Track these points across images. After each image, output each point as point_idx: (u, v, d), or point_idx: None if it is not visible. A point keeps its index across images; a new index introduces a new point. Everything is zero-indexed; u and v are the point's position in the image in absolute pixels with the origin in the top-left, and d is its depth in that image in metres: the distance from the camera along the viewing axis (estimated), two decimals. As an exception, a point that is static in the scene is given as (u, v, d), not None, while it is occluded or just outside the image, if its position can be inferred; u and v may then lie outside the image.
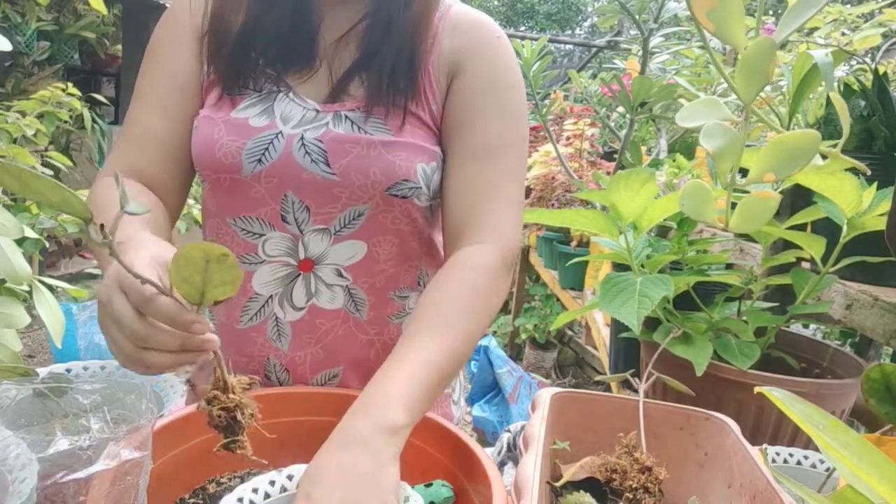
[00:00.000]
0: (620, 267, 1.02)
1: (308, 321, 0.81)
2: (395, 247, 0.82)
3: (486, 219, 0.75)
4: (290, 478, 0.60)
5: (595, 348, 3.27)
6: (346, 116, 0.76)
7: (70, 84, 2.11)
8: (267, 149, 0.75)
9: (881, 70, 0.97)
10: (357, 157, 0.75)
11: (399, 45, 0.76)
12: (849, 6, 1.76)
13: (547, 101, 2.50)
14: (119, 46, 5.52)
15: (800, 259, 0.92)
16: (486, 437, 2.78)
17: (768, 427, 0.82)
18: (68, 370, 0.83)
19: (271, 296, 0.80)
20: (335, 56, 0.79)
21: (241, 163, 0.75)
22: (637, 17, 1.43)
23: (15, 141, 1.81)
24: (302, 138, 0.75)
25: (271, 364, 0.83)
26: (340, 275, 0.80)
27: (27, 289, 0.90)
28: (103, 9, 1.32)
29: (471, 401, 2.95)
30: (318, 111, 0.76)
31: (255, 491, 0.58)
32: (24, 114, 1.90)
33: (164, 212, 0.78)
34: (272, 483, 0.59)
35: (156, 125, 0.79)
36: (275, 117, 0.76)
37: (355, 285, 0.81)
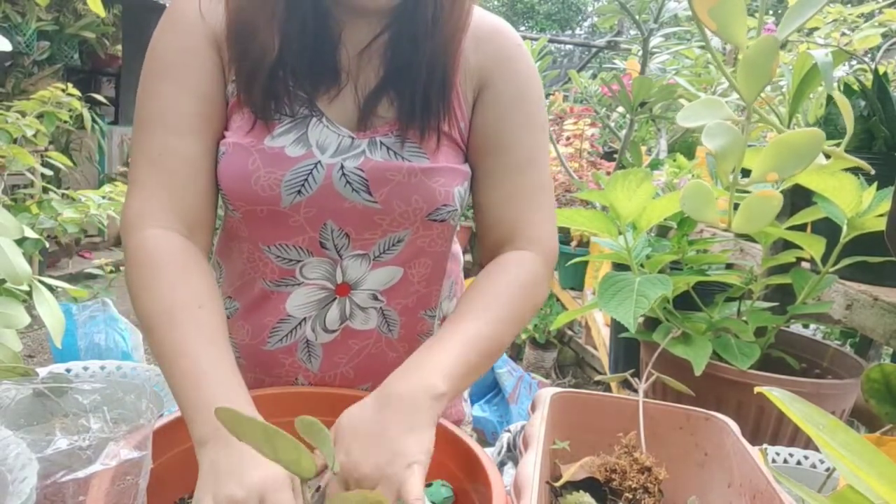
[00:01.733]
0: (620, 267, 1.02)
1: (340, 342, 0.80)
2: (430, 268, 0.81)
3: (529, 232, 0.78)
4: None
5: (595, 348, 3.27)
6: (382, 143, 0.74)
7: (70, 84, 2.10)
8: (306, 179, 0.72)
9: (881, 70, 0.97)
10: (398, 184, 0.73)
11: (430, 63, 0.73)
12: (849, 6, 1.76)
13: (547, 102, 2.50)
14: (119, 46, 5.53)
15: (800, 259, 0.92)
16: (486, 437, 2.78)
17: (768, 427, 0.82)
18: (68, 370, 0.83)
19: (304, 318, 0.79)
20: (359, 71, 0.76)
21: (279, 195, 0.72)
22: (637, 17, 1.43)
23: (15, 141, 1.81)
24: (342, 167, 0.72)
25: (299, 384, 0.82)
26: (376, 298, 0.79)
27: (27, 289, 0.90)
28: (101, 11, 1.31)
29: (471, 401, 2.95)
30: (352, 138, 0.73)
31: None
32: (24, 114, 1.90)
33: (218, 293, 0.71)
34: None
35: (194, 155, 0.71)
36: (311, 146, 0.72)
37: (389, 307, 0.80)
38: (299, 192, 0.72)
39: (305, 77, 0.74)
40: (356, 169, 0.73)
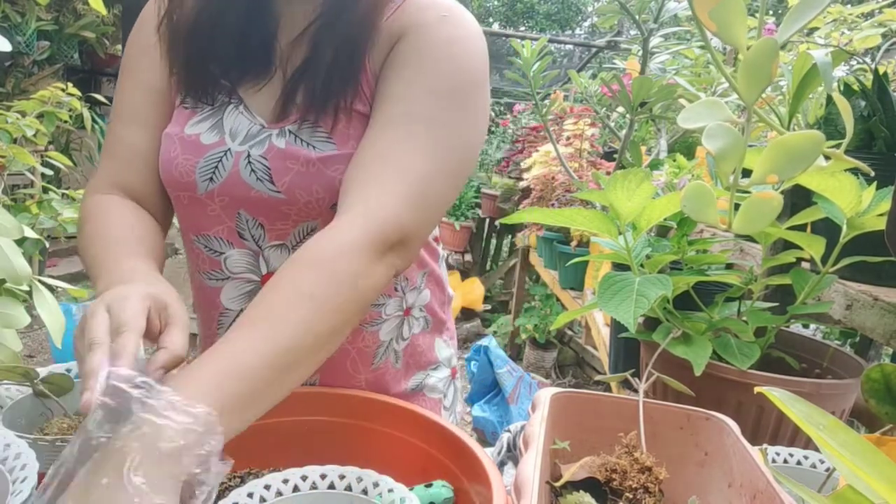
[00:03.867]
0: (620, 267, 1.02)
1: None
2: None
3: (365, 191, 0.64)
4: (322, 477, 0.62)
5: (595, 348, 3.27)
6: (289, 130, 0.73)
7: (70, 84, 2.10)
8: (216, 167, 0.75)
9: (881, 70, 0.97)
10: (298, 174, 0.72)
11: (339, 44, 0.71)
12: (849, 6, 1.76)
13: (547, 101, 2.50)
14: (119, 46, 5.52)
15: (800, 259, 0.92)
16: (486, 437, 2.78)
17: (768, 427, 0.82)
18: (68, 370, 0.83)
19: (241, 310, 0.78)
20: (289, 61, 0.76)
21: (195, 181, 0.75)
22: (637, 17, 1.43)
23: (15, 141, 1.81)
24: (248, 156, 0.74)
25: None
26: None
27: (27, 289, 0.90)
28: (103, 9, 1.32)
29: (471, 401, 2.95)
30: (262, 126, 0.75)
31: (250, 496, 0.58)
32: (24, 114, 1.89)
33: (157, 231, 0.78)
34: (267, 487, 0.60)
35: (136, 141, 0.78)
36: (224, 133, 0.75)
37: None
38: (211, 179, 0.75)
39: (234, 65, 0.76)
40: (260, 157, 0.74)
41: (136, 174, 0.79)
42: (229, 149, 0.75)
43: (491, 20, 13.49)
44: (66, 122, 2.05)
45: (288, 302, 0.55)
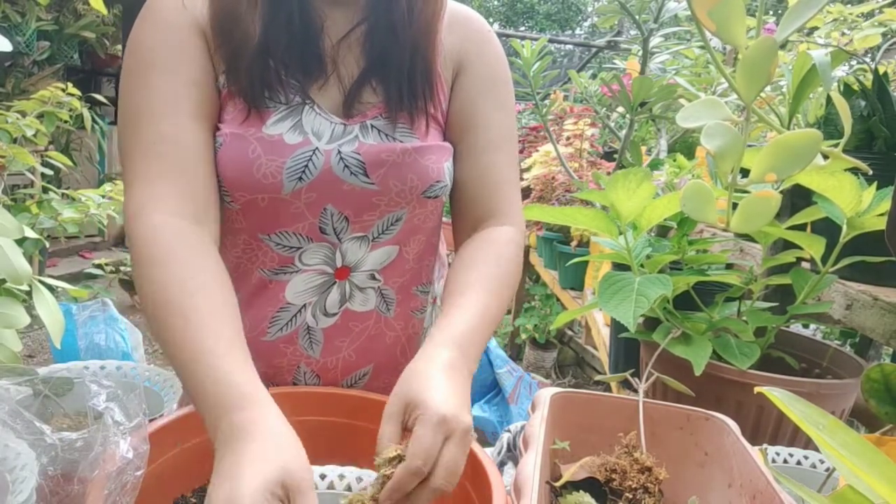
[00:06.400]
0: (620, 267, 1.02)
1: (341, 326, 0.81)
2: (422, 244, 0.84)
3: (504, 206, 0.83)
4: (322, 477, 0.63)
5: (595, 348, 3.27)
6: (372, 125, 0.76)
7: (70, 84, 2.10)
8: (307, 166, 0.74)
9: (881, 70, 0.97)
10: (393, 165, 0.76)
11: (412, 51, 0.77)
12: (849, 6, 1.76)
13: (547, 101, 2.50)
14: (119, 46, 5.53)
15: (800, 259, 0.92)
16: (486, 437, 2.78)
17: (768, 427, 0.83)
18: (68, 370, 0.83)
19: (304, 305, 0.80)
20: (341, 60, 0.78)
21: (281, 182, 0.73)
22: (637, 17, 1.43)
23: (15, 141, 1.81)
24: (339, 153, 0.75)
25: (301, 372, 0.82)
26: (374, 278, 0.81)
27: (27, 289, 0.90)
28: (103, 9, 1.32)
29: (471, 401, 2.95)
30: (344, 125, 0.76)
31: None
32: (24, 114, 1.89)
33: (226, 273, 0.67)
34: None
35: (190, 140, 0.69)
36: (307, 133, 0.74)
37: (386, 286, 0.82)
38: (300, 178, 0.74)
39: (296, 66, 0.76)
40: (353, 153, 0.75)
41: (197, 179, 0.69)
42: (317, 147, 0.74)
43: (491, 20, 13.49)
44: (66, 122, 2.05)
45: (501, 280, 0.75)
